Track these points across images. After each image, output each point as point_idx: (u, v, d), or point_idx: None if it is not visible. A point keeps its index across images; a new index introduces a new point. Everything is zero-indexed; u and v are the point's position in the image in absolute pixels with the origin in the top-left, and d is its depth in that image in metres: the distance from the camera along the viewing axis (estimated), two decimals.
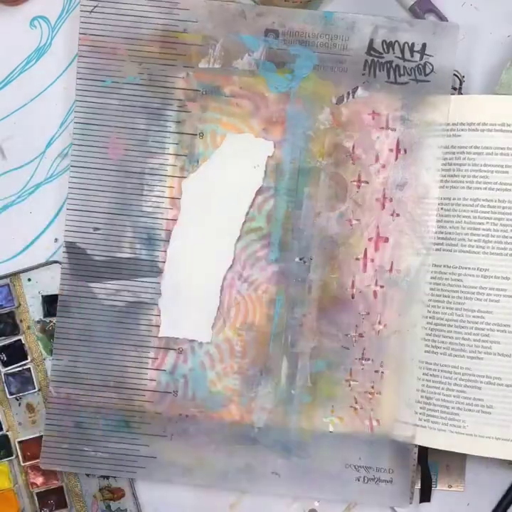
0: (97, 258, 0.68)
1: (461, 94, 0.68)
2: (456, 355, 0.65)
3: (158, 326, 0.68)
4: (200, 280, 0.68)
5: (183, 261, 0.68)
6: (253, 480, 0.68)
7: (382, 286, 0.68)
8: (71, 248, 0.68)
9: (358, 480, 0.68)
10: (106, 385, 0.68)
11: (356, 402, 0.68)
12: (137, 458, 0.68)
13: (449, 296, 0.66)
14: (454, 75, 0.68)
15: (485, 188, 0.65)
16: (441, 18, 0.70)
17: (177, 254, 0.68)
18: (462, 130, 0.66)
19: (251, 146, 0.68)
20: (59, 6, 0.71)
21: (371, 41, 0.67)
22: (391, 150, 0.68)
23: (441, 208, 0.67)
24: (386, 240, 0.68)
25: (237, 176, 0.68)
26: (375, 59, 0.67)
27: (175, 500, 0.70)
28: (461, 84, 0.68)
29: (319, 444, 0.68)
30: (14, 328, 0.69)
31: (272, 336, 0.68)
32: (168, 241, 0.68)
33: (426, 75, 0.67)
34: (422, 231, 0.67)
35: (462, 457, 0.69)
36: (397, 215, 0.68)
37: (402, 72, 0.67)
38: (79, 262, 0.68)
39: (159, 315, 0.68)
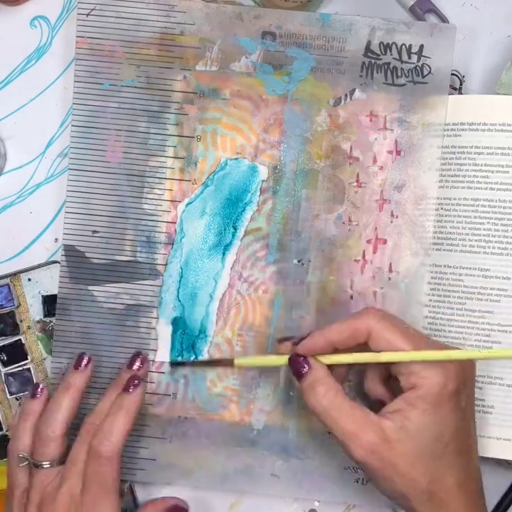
0: (96, 261, 0.66)
1: (461, 94, 0.67)
2: None
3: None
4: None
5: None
6: (252, 482, 0.66)
7: (381, 288, 0.66)
8: (70, 251, 0.66)
9: (357, 482, 0.66)
10: (105, 388, 0.65)
11: None
12: (137, 460, 0.66)
13: (449, 296, 0.64)
14: (454, 75, 0.66)
15: (486, 188, 0.63)
16: (442, 18, 0.68)
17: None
18: (462, 130, 0.64)
19: (245, 171, 0.66)
20: (59, 6, 0.69)
21: (368, 43, 0.65)
22: (389, 152, 0.66)
23: (442, 208, 0.65)
24: (384, 241, 0.66)
25: (233, 200, 0.66)
26: (373, 61, 0.65)
27: None
28: (461, 84, 0.66)
29: (318, 446, 0.66)
30: (14, 328, 0.67)
31: (271, 338, 0.66)
32: (167, 243, 0.66)
33: (423, 76, 0.65)
34: (420, 232, 0.65)
35: None
36: (396, 216, 0.66)
37: (399, 73, 0.65)
38: (78, 264, 0.66)
39: (158, 317, 0.66)
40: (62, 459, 0.60)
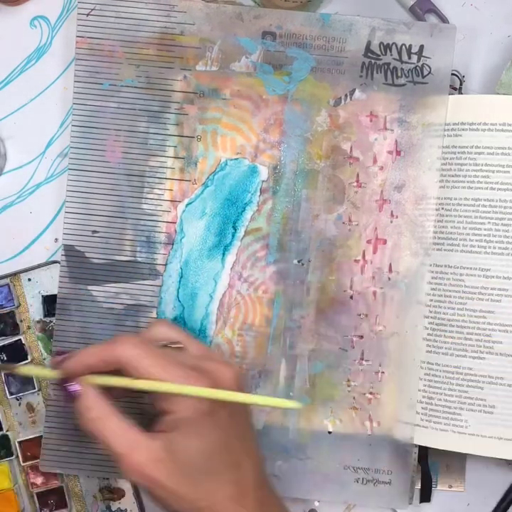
0: (95, 261, 0.65)
1: (461, 94, 0.66)
2: (458, 355, 0.63)
3: None
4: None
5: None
6: None
7: (381, 288, 0.65)
8: (70, 251, 0.65)
9: (357, 481, 0.66)
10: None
11: (355, 403, 0.65)
12: None
13: (450, 296, 0.64)
14: (455, 74, 0.65)
15: (486, 188, 0.63)
16: (442, 18, 0.68)
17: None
18: (463, 130, 0.64)
19: (245, 171, 0.65)
20: (59, 6, 0.69)
21: (368, 43, 0.65)
22: (389, 152, 0.65)
23: (443, 208, 0.65)
24: (384, 241, 0.65)
25: (232, 200, 0.65)
26: (373, 61, 0.65)
27: None
28: (461, 84, 0.66)
29: (318, 446, 0.66)
30: (14, 328, 0.67)
31: (271, 338, 0.66)
32: (167, 244, 0.65)
33: (423, 76, 0.65)
34: (420, 232, 0.65)
35: (462, 457, 0.67)
36: (396, 216, 0.65)
37: (399, 74, 0.65)
38: (78, 264, 0.65)
39: (158, 317, 0.65)
40: None
